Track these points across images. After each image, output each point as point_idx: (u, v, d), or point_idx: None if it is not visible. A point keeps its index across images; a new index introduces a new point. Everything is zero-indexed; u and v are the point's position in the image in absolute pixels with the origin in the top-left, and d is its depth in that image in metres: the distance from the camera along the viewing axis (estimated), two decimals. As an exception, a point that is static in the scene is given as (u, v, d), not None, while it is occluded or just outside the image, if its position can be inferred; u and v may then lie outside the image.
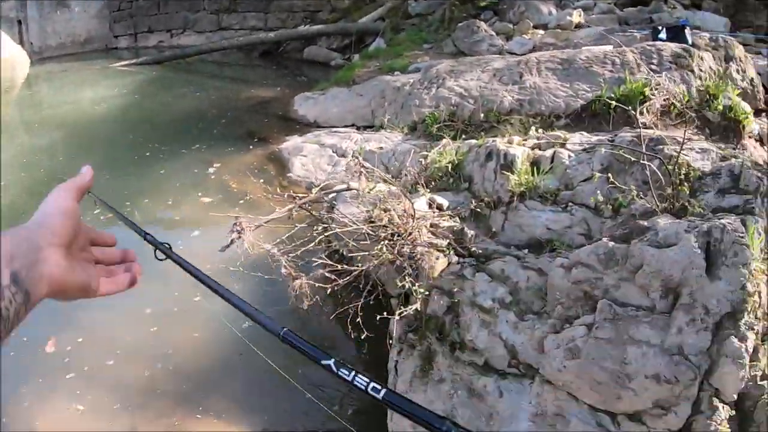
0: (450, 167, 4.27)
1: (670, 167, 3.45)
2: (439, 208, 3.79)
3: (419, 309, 3.34)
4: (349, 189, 4.02)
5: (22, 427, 3.81)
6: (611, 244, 3.10)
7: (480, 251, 3.51)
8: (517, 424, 3.11)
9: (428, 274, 3.35)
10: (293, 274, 3.41)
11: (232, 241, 3.74)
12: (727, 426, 2.73)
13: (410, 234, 3.26)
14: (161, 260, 0.98)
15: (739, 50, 6.48)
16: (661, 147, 3.73)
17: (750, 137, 5.96)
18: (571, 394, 3.00)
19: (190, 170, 7.26)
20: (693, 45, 6.62)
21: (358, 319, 3.31)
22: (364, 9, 13.49)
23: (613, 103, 4.00)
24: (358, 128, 7.59)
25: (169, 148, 8.13)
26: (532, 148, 4.13)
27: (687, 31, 7.45)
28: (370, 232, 3.29)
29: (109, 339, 4.51)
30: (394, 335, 3.54)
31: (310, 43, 13.36)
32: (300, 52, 13.41)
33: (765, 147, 6.24)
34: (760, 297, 2.89)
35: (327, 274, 3.39)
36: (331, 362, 0.75)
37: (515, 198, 3.76)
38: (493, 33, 9.30)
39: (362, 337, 3.40)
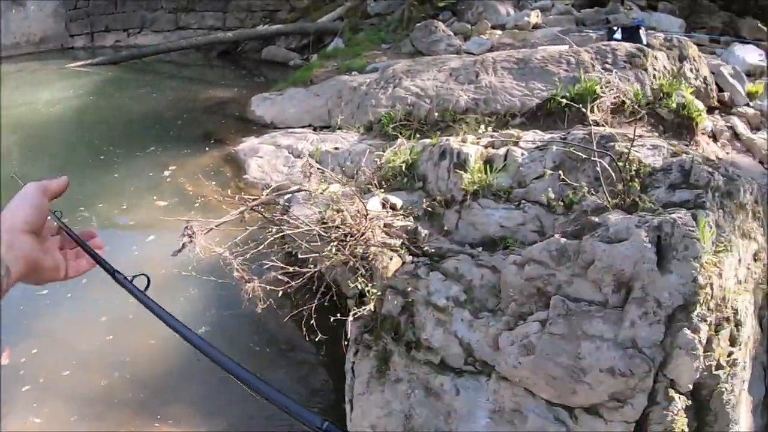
0: (404, 167, 4.25)
1: (620, 164, 3.49)
2: (393, 207, 3.77)
3: (374, 309, 3.31)
4: (301, 190, 3.97)
5: (-22, 444, 3.69)
6: (563, 240, 3.12)
7: (434, 250, 3.50)
8: (475, 421, 3.10)
9: (382, 274, 3.32)
10: (245, 277, 3.35)
11: (183, 246, 3.66)
12: (684, 415, 2.77)
13: (363, 234, 3.23)
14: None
15: (692, 50, 6.63)
16: (612, 144, 3.77)
17: (703, 134, 6.10)
18: (528, 389, 3.00)
19: (146, 173, 7.11)
20: (647, 45, 6.74)
21: (312, 322, 3.27)
22: (324, 9, 13.43)
23: (564, 101, 4.03)
24: (315, 129, 7.52)
25: (125, 150, 7.96)
26: (486, 147, 4.14)
27: (642, 31, 7.58)
28: (323, 234, 3.25)
29: (65, 349, 4.38)
30: (350, 336, 3.50)
31: (269, 42, 13.25)
32: (258, 52, 13.28)
33: (718, 143, 6.41)
34: (712, 289, 2.94)
35: (280, 277, 3.33)
36: None
37: (468, 196, 3.76)
38: (451, 33, 9.34)
39: (319, 339, 3.36)
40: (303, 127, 7.68)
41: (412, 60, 7.51)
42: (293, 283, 3.31)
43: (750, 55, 7.99)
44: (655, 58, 6.17)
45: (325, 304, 3.57)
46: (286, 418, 0.82)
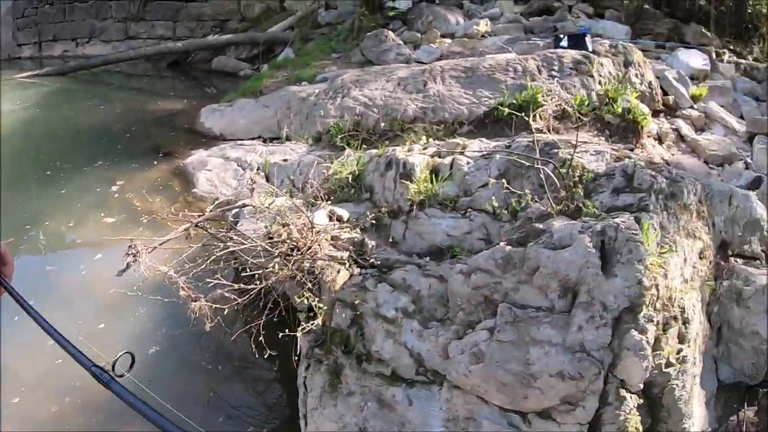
0: (351, 178, 4.24)
1: (563, 170, 3.54)
2: (339, 219, 3.76)
3: (323, 323, 3.28)
4: (245, 206, 3.92)
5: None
6: (508, 248, 3.14)
7: (381, 261, 3.49)
8: (429, 430, 3.10)
9: (330, 288, 3.30)
10: (192, 296, 3.28)
11: (128, 265, 3.57)
12: (637, 414, 2.82)
13: (309, 248, 3.20)
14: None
15: (637, 56, 6.79)
16: (555, 151, 3.84)
17: (649, 136, 6.26)
18: (480, 397, 3.01)
19: (93, 189, 6.92)
20: (593, 52, 6.86)
21: (260, 338, 3.22)
22: (274, 18, 13.37)
23: (506, 111, 4.08)
24: (264, 140, 7.43)
25: (72, 165, 7.74)
26: (432, 156, 4.16)
27: (587, 38, 7.75)
28: (269, 249, 3.21)
29: (12, 375, 4.21)
30: (301, 351, 3.47)
31: (219, 53, 13.11)
32: (209, 62, 13.12)
33: (663, 145, 6.59)
34: (657, 290, 3.00)
35: (226, 294, 3.27)
36: None
37: (415, 206, 3.77)
38: (401, 42, 9.38)
39: (273, 355, 3.32)
40: (253, 138, 7.59)
41: (361, 70, 7.52)
42: (240, 300, 3.25)
43: (694, 59, 8.25)
44: (601, 64, 6.30)
45: (274, 319, 3.53)
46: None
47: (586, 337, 2.84)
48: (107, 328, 4.49)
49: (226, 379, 4.28)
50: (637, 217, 3.24)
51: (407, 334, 3.25)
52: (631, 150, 5.58)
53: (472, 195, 3.81)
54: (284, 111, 7.44)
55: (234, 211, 4.20)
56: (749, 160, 6.16)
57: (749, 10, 10.95)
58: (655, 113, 6.70)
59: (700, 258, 3.63)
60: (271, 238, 3.36)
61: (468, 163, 3.99)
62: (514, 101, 5.27)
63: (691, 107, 7.06)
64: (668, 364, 2.98)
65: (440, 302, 3.30)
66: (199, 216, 3.74)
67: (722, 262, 3.93)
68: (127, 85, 13.25)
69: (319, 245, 3.32)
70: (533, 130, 3.67)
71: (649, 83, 6.69)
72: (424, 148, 4.37)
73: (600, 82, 6.05)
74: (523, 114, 4.17)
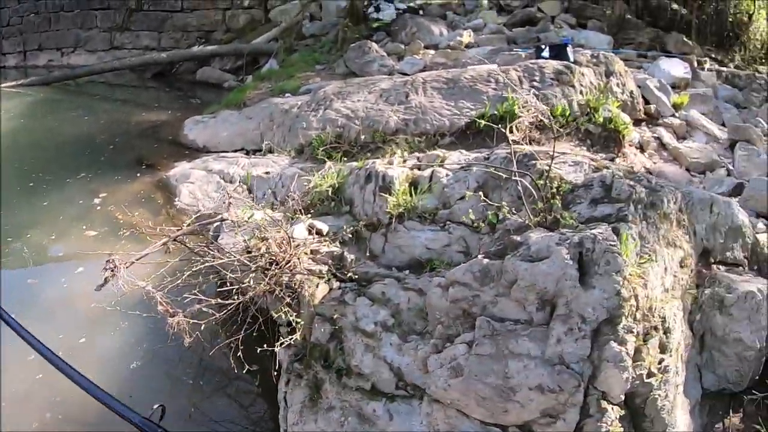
0: (331, 191, 4.25)
1: (541, 182, 3.56)
2: (319, 233, 3.75)
3: (303, 338, 3.27)
4: (223, 220, 3.91)
5: None
6: (485, 261, 3.15)
7: (360, 275, 3.49)
8: (410, 445, 3.09)
9: (309, 302, 3.29)
10: (170, 311, 3.26)
11: (106, 280, 3.55)
12: (619, 425, 2.82)
13: (288, 262, 3.19)
14: None
15: (619, 65, 6.85)
16: (533, 162, 3.85)
17: (630, 145, 6.31)
18: (460, 411, 3.00)
19: (75, 201, 6.87)
20: (575, 62, 6.92)
21: (239, 354, 3.20)
22: (259, 29, 13.37)
23: (482, 123, 4.11)
24: (247, 152, 7.41)
25: (55, 176, 7.68)
26: (411, 168, 4.17)
27: (569, 49, 7.79)
28: (246, 263, 3.20)
29: (-8, 390, 4.18)
30: (280, 366, 3.45)
31: (204, 64, 13.08)
32: (193, 73, 13.09)
33: (645, 154, 6.64)
34: (637, 300, 3.00)
35: (205, 309, 3.26)
36: None
37: (394, 219, 3.78)
38: (385, 54, 9.39)
39: (254, 369, 3.30)
40: (236, 150, 7.56)
41: (344, 81, 7.52)
42: (218, 315, 3.24)
43: (675, 68, 8.34)
44: (582, 74, 6.36)
45: (254, 334, 3.51)
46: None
47: (565, 349, 2.84)
48: (88, 342, 4.45)
49: (208, 393, 4.25)
50: (616, 227, 3.24)
51: (387, 348, 3.24)
52: (613, 159, 5.64)
53: (451, 207, 3.82)
54: (267, 123, 7.42)
55: (214, 225, 4.19)
56: (731, 167, 6.22)
57: (730, 19, 11.08)
58: (637, 122, 6.76)
59: (681, 267, 3.65)
60: (249, 252, 3.35)
61: (447, 175, 4.00)
62: (496, 112, 5.30)
63: (673, 115, 7.14)
64: (650, 374, 2.99)
65: (419, 315, 3.30)
66: (177, 230, 3.72)
67: (704, 270, 3.96)
68: (111, 96, 13.20)
69: (298, 259, 3.31)
70: (510, 142, 3.68)
71: (631, 92, 6.76)
72: (404, 161, 4.38)
73: (581, 92, 6.10)
74: (500, 126, 4.18)
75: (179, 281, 3.61)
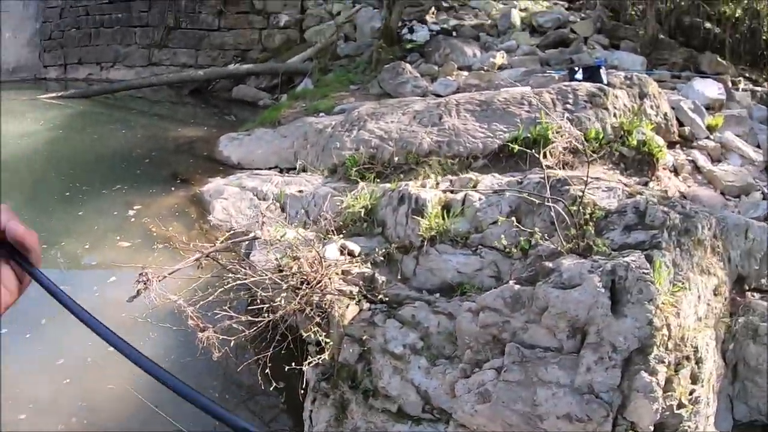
0: (364, 212, 4.27)
1: (574, 208, 3.53)
2: (351, 254, 3.77)
3: (331, 357, 3.28)
4: (256, 239, 3.96)
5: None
6: (517, 287, 3.13)
7: (391, 297, 3.49)
8: (435, 469, 3.08)
9: (339, 322, 3.31)
10: (200, 325, 3.31)
11: (138, 292, 3.61)
12: None
13: (319, 282, 3.22)
14: None
15: (653, 87, 6.77)
16: (567, 188, 3.83)
17: (665, 169, 6.23)
18: (486, 436, 2.99)
19: (111, 212, 7.03)
20: (608, 84, 6.85)
21: (267, 371, 3.23)
22: (294, 49, 13.53)
23: (516, 147, 4.10)
24: (281, 170, 7.51)
25: (91, 187, 7.88)
26: (444, 192, 4.18)
27: (602, 70, 7.72)
28: (278, 281, 3.23)
29: (21, 392, 4.26)
30: (307, 384, 3.47)
31: (240, 82, 13.26)
32: (229, 91, 13.26)
33: (679, 177, 6.55)
34: (669, 329, 2.96)
35: (235, 325, 3.29)
36: None
37: (426, 242, 3.78)
38: (418, 75, 9.43)
39: (280, 387, 3.32)
40: (270, 168, 7.67)
41: (378, 102, 7.56)
42: (248, 332, 3.27)
43: (709, 89, 8.19)
44: (616, 96, 6.30)
45: (283, 351, 3.53)
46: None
47: (595, 378, 2.82)
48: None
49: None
50: (649, 255, 3.21)
51: (414, 371, 3.24)
52: (646, 183, 5.57)
53: (483, 232, 3.81)
54: (301, 142, 7.51)
55: (247, 242, 4.24)
56: (767, 191, 6.09)
57: (764, 37, 10.90)
58: (671, 145, 6.67)
59: (715, 294, 3.59)
60: (281, 270, 3.38)
61: (480, 199, 3.99)
62: (529, 135, 5.29)
63: (707, 138, 7.02)
64: (680, 405, 2.94)
65: (449, 339, 3.29)
66: (210, 246, 3.78)
67: (738, 298, 3.88)
68: (149, 111, 13.49)
69: (329, 279, 3.33)
70: (544, 167, 3.67)
71: (665, 114, 6.67)
72: (437, 184, 4.39)
73: (615, 115, 6.05)
74: (533, 150, 4.18)
75: (210, 297, 3.66)
